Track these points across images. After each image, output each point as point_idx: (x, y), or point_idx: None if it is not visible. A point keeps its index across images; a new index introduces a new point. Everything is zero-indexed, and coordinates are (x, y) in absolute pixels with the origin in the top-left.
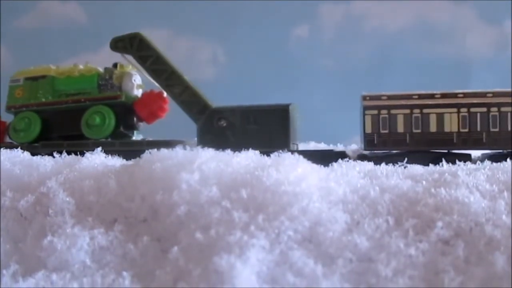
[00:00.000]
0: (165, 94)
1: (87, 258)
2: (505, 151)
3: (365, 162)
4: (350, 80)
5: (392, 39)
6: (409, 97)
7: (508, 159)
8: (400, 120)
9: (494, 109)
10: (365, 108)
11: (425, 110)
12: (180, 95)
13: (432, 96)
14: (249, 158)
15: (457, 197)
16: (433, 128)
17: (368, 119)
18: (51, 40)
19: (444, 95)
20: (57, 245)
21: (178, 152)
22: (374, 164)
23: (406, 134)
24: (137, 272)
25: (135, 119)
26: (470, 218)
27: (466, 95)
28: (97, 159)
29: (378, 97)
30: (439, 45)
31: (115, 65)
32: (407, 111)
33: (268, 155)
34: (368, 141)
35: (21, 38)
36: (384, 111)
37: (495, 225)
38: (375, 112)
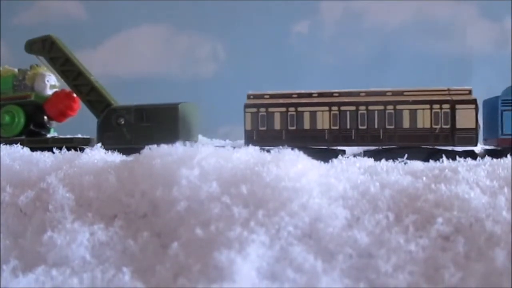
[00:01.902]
0: (74, 94)
1: (87, 254)
2: (381, 147)
3: (365, 158)
4: (351, 76)
5: (393, 35)
6: (288, 96)
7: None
8: (277, 118)
9: (362, 107)
10: (245, 106)
11: (300, 109)
12: (87, 95)
13: (310, 95)
14: (249, 153)
15: (457, 193)
16: (307, 125)
17: (248, 117)
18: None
19: (321, 94)
20: (57, 241)
21: (178, 148)
22: None
23: (282, 131)
24: (137, 268)
25: (45, 118)
26: (470, 214)
27: (341, 94)
28: (96, 155)
29: (261, 96)
30: (439, 41)
31: (31, 67)
32: (284, 109)
33: None
34: (248, 137)
35: (21, 35)
36: (262, 109)
37: (495, 221)
38: (255, 110)
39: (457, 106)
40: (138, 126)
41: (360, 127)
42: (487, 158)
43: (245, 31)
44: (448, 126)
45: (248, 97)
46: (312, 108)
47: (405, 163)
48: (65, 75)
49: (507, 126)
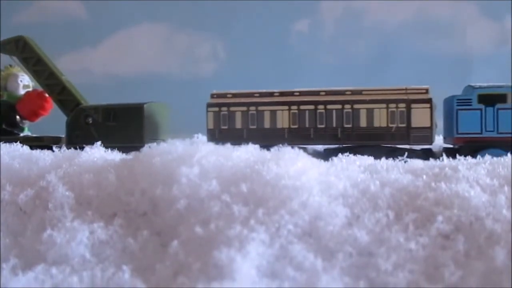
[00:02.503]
0: (46, 93)
1: (87, 252)
2: (341, 145)
3: (365, 157)
4: (351, 75)
5: (393, 34)
6: (250, 95)
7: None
8: (238, 117)
9: (321, 106)
10: (208, 105)
11: (261, 108)
12: (58, 94)
13: (271, 95)
14: (249, 152)
15: (457, 191)
16: (267, 124)
17: (210, 116)
18: (51, 35)
19: (282, 93)
20: (57, 239)
21: (178, 146)
22: None
23: (244, 130)
24: (137, 266)
25: (18, 117)
26: (470, 212)
27: (301, 93)
28: (96, 153)
29: (224, 95)
30: (439, 40)
31: (5, 67)
32: (245, 108)
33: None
34: (210, 136)
35: (21, 33)
36: (224, 109)
37: (495, 219)
38: (217, 109)
39: (413, 105)
40: (105, 125)
41: (318, 126)
42: (487, 157)
43: (245, 30)
44: (404, 125)
45: (212, 96)
46: (272, 107)
47: (405, 162)
48: (37, 75)
49: (462, 125)
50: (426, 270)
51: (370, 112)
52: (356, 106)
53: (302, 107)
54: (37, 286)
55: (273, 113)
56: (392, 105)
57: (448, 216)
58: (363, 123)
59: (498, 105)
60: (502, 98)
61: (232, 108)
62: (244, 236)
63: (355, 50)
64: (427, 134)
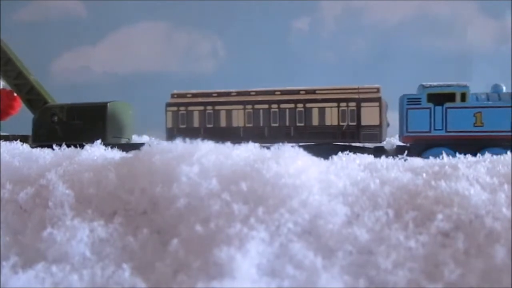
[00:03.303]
0: (15, 93)
1: (87, 250)
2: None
3: (365, 155)
4: (351, 73)
5: (392, 32)
6: (209, 95)
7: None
8: (196, 116)
9: (274, 106)
10: (166, 105)
11: (217, 107)
12: (26, 94)
13: (228, 94)
14: (249, 150)
15: (457, 189)
16: (223, 123)
17: (169, 115)
18: (51, 33)
19: (239, 93)
20: (57, 237)
21: (178, 144)
22: None
23: (201, 128)
24: (137, 264)
25: None
26: (470, 211)
27: (257, 93)
28: (96, 152)
29: (184, 95)
30: (439, 38)
31: None
32: (202, 108)
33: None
34: (169, 135)
35: (21, 32)
36: (182, 108)
37: (495, 217)
38: (175, 109)
39: (362, 104)
40: (69, 124)
41: (272, 124)
42: (487, 155)
43: (245, 28)
44: (354, 123)
45: (172, 96)
46: (229, 106)
47: (405, 160)
48: (6, 75)
49: (411, 124)
50: (426, 268)
51: (321, 111)
52: (308, 105)
53: (256, 106)
54: (37, 285)
55: (229, 113)
56: (343, 104)
57: (448, 214)
58: (315, 121)
59: (447, 104)
60: (450, 97)
61: (190, 108)
62: (244, 235)
63: (355, 48)
64: (376, 132)
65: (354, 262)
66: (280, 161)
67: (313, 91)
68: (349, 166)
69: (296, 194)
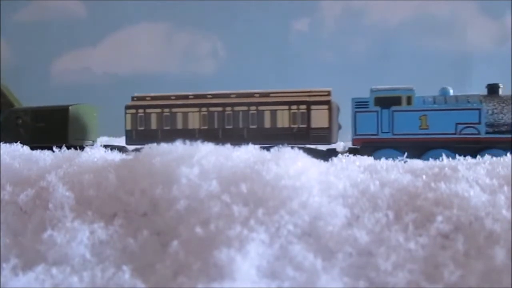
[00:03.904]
0: None
1: (87, 252)
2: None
3: (365, 157)
4: (351, 73)
5: (393, 33)
6: (167, 98)
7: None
8: (154, 119)
9: (229, 108)
10: (126, 108)
11: (174, 110)
12: None
13: (186, 97)
14: (249, 152)
15: (457, 191)
16: (179, 125)
17: (128, 118)
18: (51, 34)
19: (196, 96)
20: (57, 239)
21: (178, 146)
22: None
23: (158, 130)
24: (137, 266)
25: None
26: (470, 212)
27: (214, 96)
28: (96, 153)
29: (143, 98)
30: (439, 38)
31: None
32: (159, 110)
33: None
34: (128, 136)
35: (21, 32)
36: (141, 111)
37: (495, 219)
38: (134, 111)
39: (312, 107)
40: (33, 126)
41: (226, 126)
42: (487, 157)
43: (245, 29)
44: (304, 126)
45: (132, 99)
46: (185, 109)
47: (404, 162)
48: None
49: (360, 127)
50: (426, 270)
51: (273, 114)
52: (261, 108)
53: (211, 109)
54: (37, 286)
55: (185, 115)
56: (294, 107)
57: (448, 216)
58: (267, 124)
59: (393, 108)
60: (397, 100)
61: (148, 110)
62: (244, 236)
63: (355, 49)
64: (325, 135)
65: (354, 264)
66: (280, 163)
67: (267, 94)
68: (349, 167)
69: (296, 196)
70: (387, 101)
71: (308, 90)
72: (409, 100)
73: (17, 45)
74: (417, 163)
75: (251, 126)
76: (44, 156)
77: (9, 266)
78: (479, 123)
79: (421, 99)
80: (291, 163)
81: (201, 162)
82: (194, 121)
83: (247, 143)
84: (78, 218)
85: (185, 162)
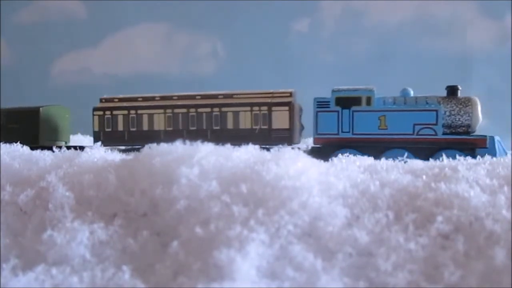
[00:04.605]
0: None
1: (87, 252)
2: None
3: (365, 157)
4: (351, 74)
5: (393, 33)
6: (134, 99)
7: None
8: (120, 120)
9: (192, 110)
10: (93, 109)
11: (140, 111)
12: None
13: (152, 99)
14: (249, 152)
15: (457, 191)
16: (145, 126)
17: (96, 119)
18: (51, 34)
19: (162, 98)
20: (57, 239)
21: (177, 146)
22: None
23: (125, 132)
24: (137, 266)
25: None
26: (470, 213)
27: (179, 97)
28: (96, 154)
29: (111, 100)
30: (439, 39)
31: None
32: (126, 112)
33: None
34: (95, 138)
35: (21, 33)
36: (108, 112)
37: (495, 219)
38: (101, 113)
39: (273, 108)
40: (7, 127)
41: (190, 128)
42: (487, 157)
43: (245, 29)
44: (266, 127)
45: (100, 100)
46: (150, 111)
47: (405, 162)
48: None
49: (321, 126)
50: (426, 270)
51: (236, 115)
52: (224, 109)
53: (176, 110)
54: (37, 286)
55: (151, 116)
56: (256, 108)
57: (448, 216)
58: (230, 125)
59: (354, 108)
60: (357, 101)
61: (114, 112)
62: (244, 237)
63: (355, 49)
64: (286, 135)
65: (354, 264)
66: (280, 163)
67: (230, 96)
68: (349, 168)
69: (296, 196)
70: (348, 102)
71: (270, 91)
72: (368, 101)
73: (17, 45)
74: (417, 163)
75: (215, 127)
76: (44, 156)
77: (9, 266)
78: (436, 124)
79: (381, 100)
80: (291, 164)
81: (201, 162)
82: (160, 123)
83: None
84: (78, 219)
85: (185, 163)
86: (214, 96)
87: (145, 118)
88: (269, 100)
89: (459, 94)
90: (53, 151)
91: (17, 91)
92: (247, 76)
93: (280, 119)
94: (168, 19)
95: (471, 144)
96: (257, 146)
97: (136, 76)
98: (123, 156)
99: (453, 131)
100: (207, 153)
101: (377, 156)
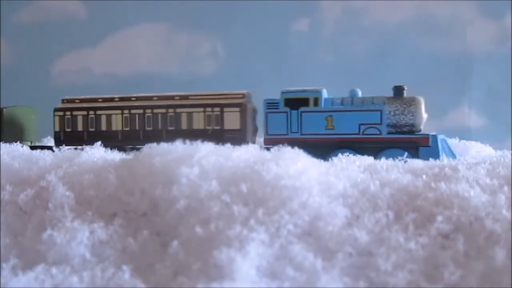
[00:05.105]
0: None
1: (87, 252)
2: None
3: (365, 157)
4: (350, 74)
5: (393, 33)
6: (94, 100)
7: None
8: (80, 120)
9: (148, 111)
10: (54, 110)
11: (98, 112)
12: None
13: (112, 100)
14: (249, 152)
15: (457, 191)
16: (104, 127)
17: (57, 120)
18: (51, 34)
19: (121, 99)
20: (57, 239)
21: (178, 146)
22: None
23: (84, 132)
24: (137, 266)
25: None
26: (470, 212)
27: (138, 98)
28: (96, 153)
29: (72, 100)
30: (439, 39)
31: None
32: (85, 112)
33: None
34: (56, 138)
35: (21, 33)
36: (68, 113)
37: (495, 219)
38: (62, 113)
39: (225, 109)
40: None
41: (146, 128)
42: (487, 157)
43: (245, 29)
44: (218, 127)
45: (62, 101)
46: (108, 111)
47: (405, 162)
48: None
49: (271, 127)
50: (426, 270)
51: (190, 116)
52: (178, 110)
53: (133, 111)
54: (37, 286)
55: (109, 117)
56: (209, 109)
57: (448, 216)
58: (184, 125)
59: (302, 109)
60: (305, 102)
61: (74, 113)
62: (244, 236)
63: (355, 49)
64: (238, 136)
65: (354, 264)
66: (280, 163)
67: (186, 97)
68: (349, 167)
69: (296, 196)
70: (296, 103)
71: (224, 93)
72: (316, 102)
73: (17, 45)
74: (417, 163)
75: (170, 128)
76: (44, 156)
77: (9, 266)
78: (380, 123)
79: (330, 101)
80: (291, 163)
81: (201, 162)
82: (117, 123)
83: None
84: (78, 218)
85: (185, 162)
86: (171, 98)
87: (103, 119)
88: (221, 101)
89: (405, 94)
90: (53, 151)
91: (17, 91)
92: (247, 76)
93: (232, 120)
94: (168, 19)
95: (414, 143)
96: (257, 146)
97: (136, 76)
98: (123, 155)
99: (399, 130)
100: (207, 152)
101: (325, 156)
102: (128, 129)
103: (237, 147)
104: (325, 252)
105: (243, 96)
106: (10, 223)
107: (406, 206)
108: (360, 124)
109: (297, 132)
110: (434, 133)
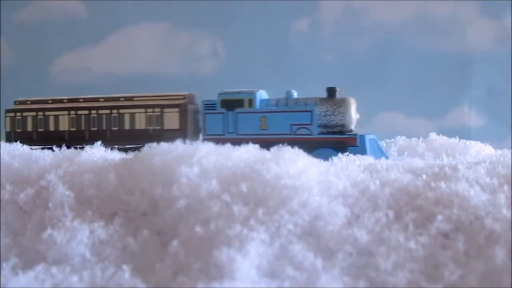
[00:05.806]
0: None
1: (87, 251)
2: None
3: (365, 156)
4: (350, 74)
5: (393, 33)
6: (44, 102)
7: None
8: (29, 121)
9: (94, 111)
10: (5, 111)
11: (47, 113)
12: None
13: (61, 101)
14: (249, 152)
15: (457, 190)
16: (52, 127)
17: (8, 121)
18: (51, 34)
19: (70, 100)
20: (57, 238)
21: (177, 146)
22: None
23: (33, 132)
24: (137, 266)
25: None
26: (470, 212)
27: (85, 100)
28: (96, 153)
29: (24, 102)
30: (440, 39)
31: None
32: (34, 113)
33: None
34: (7, 138)
35: (21, 32)
36: (18, 114)
37: (495, 218)
38: (12, 114)
39: (165, 110)
40: None
41: (92, 128)
42: (487, 156)
43: (245, 29)
44: (159, 128)
45: (14, 103)
46: (56, 112)
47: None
48: None
49: (208, 127)
50: (426, 270)
51: (132, 116)
52: (122, 111)
53: (79, 112)
54: (37, 286)
55: (57, 118)
56: (150, 110)
57: (448, 215)
58: (127, 126)
59: (237, 110)
60: (240, 103)
61: (24, 114)
62: (244, 236)
63: (355, 49)
64: (176, 136)
65: (354, 263)
66: (280, 162)
67: (130, 98)
68: (349, 167)
69: (296, 195)
70: (232, 104)
71: (165, 94)
72: (250, 103)
73: (17, 45)
74: (417, 162)
75: (113, 128)
76: (44, 156)
77: (9, 265)
78: (311, 124)
79: (265, 102)
80: (291, 163)
81: (201, 161)
82: (64, 124)
83: (110, 144)
84: (78, 218)
85: (185, 162)
86: (116, 99)
87: (51, 119)
88: (161, 102)
89: (337, 96)
90: (53, 150)
91: (17, 91)
92: (247, 76)
93: (171, 120)
94: (168, 18)
95: (342, 143)
96: (256, 146)
97: (136, 75)
98: (123, 155)
99: (330, 130)
100: (207, 152)
101: None
102: (74, 129)
103: (236, 147)
104: (325, 252)
105: (184, 97)
106: (10, 222)
107: (406, 205)
108: (291, 125)
109: (233, 133)
110: (362, 134)
